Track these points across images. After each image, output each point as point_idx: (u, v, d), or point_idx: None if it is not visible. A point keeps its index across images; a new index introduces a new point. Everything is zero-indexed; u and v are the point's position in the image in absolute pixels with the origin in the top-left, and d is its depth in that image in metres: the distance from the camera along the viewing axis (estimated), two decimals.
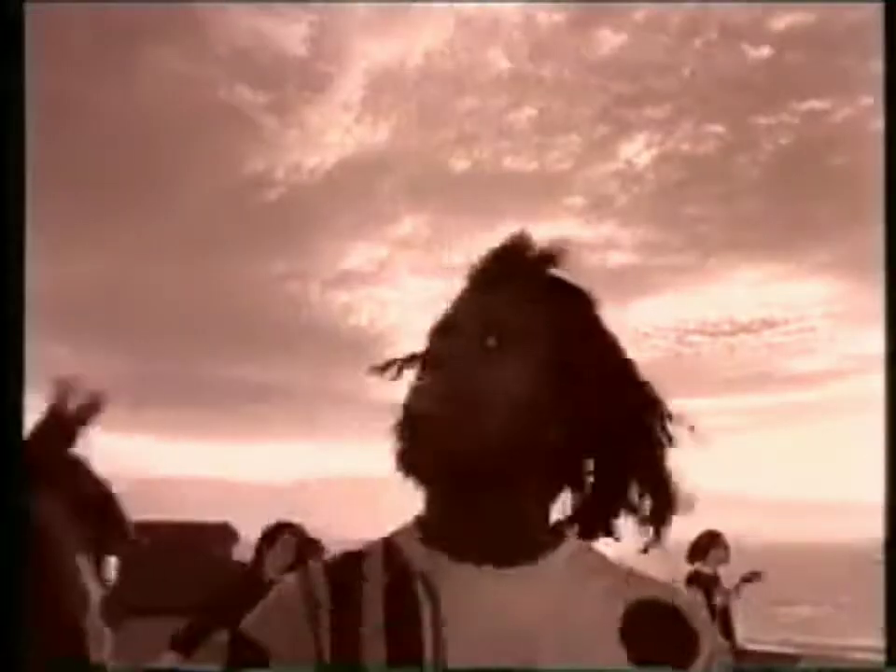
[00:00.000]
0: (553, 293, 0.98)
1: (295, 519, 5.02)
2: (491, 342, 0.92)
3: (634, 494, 0.94)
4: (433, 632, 0.85)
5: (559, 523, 0.96)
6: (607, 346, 0.98)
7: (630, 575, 0.94)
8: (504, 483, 0.91)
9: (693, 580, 6.19)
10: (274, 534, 4.69)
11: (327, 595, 0.89)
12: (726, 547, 6.41)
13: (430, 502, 0.94)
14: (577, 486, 0.96)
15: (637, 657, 0.87)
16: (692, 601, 0.97)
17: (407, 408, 0.92)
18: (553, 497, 0.96)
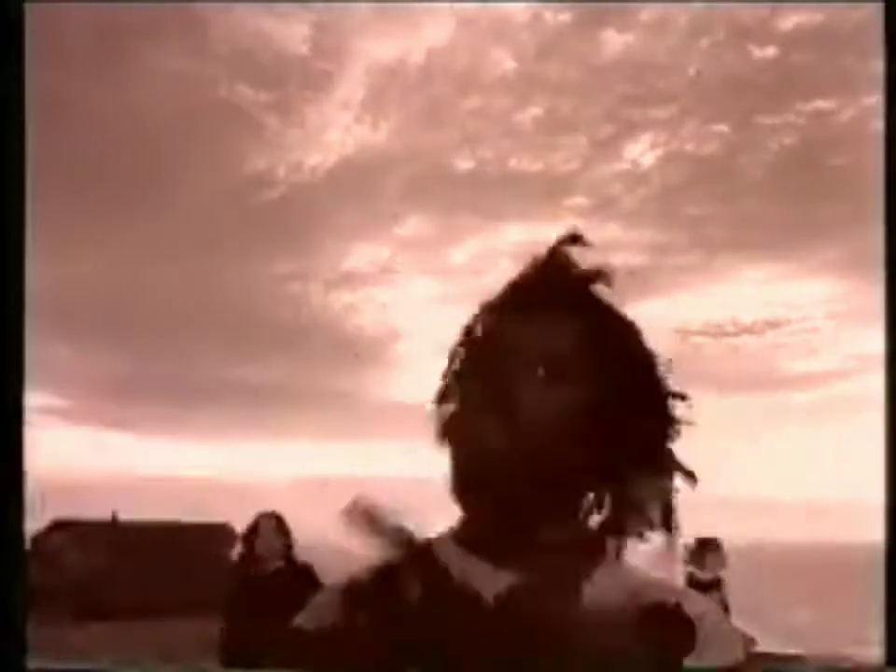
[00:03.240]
0: (600, 320, 0.97)
1: (293, 521, 5.06)
2: (541, 372, 0.92)
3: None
4: (469, 632, 0.86)
5: (598, 531, 0.96)
6: (650, 379, 0.98)
7: (643, 577, 0.95)
8: (551, 509, 0.92)
9: (688, 586, 6.17)
10: (256, 524, 4.80)
11: (367, 602, 0.90)
12: (722, 553, 6.40)
13: (472, 521, 0.94)
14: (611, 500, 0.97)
15: (649, 658, 0.87)
16: (706, 607, 0.97)
17: (458, 443, 0.92)
18: (590, 510, 0.96)
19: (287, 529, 4.83)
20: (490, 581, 0.89)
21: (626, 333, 0.99)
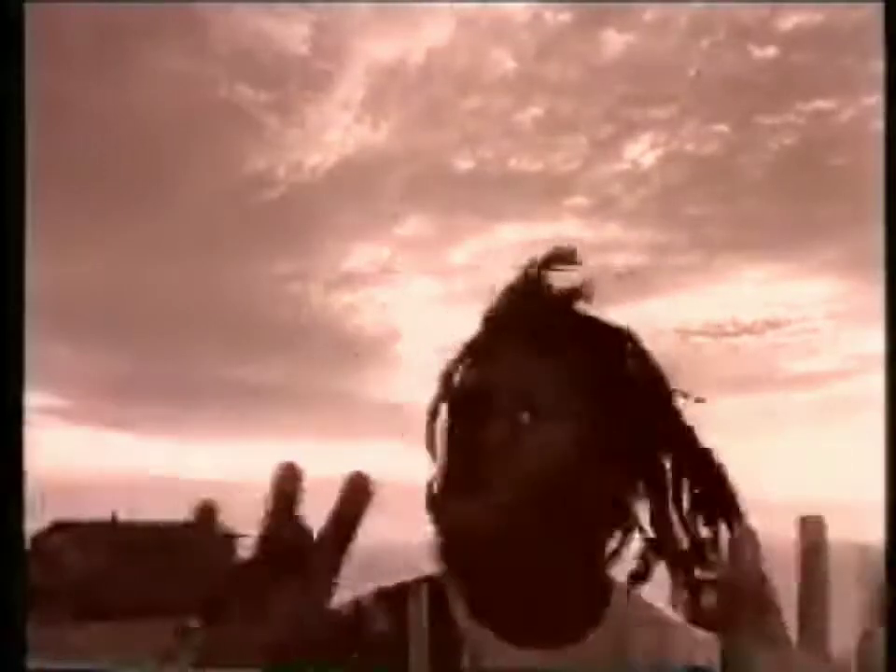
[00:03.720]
0: (587, 342, 0.89)
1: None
2: (524, 417, 0.84)
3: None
4: None
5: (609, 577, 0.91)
6: (650, 393, 0.91)
7: (675, 632, 0.90)
8: (549, 564, 0.85)
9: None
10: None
11: (374, 624, 0.87)
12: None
13: (474, 581, 0.89)
14: (627, 528, 0.91)
15: None
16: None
17: (436, 501, 0.88)
18: (602, 553, 0.90)
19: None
20: (492, 649, 0.85)
21: (620, 348, 0.92)
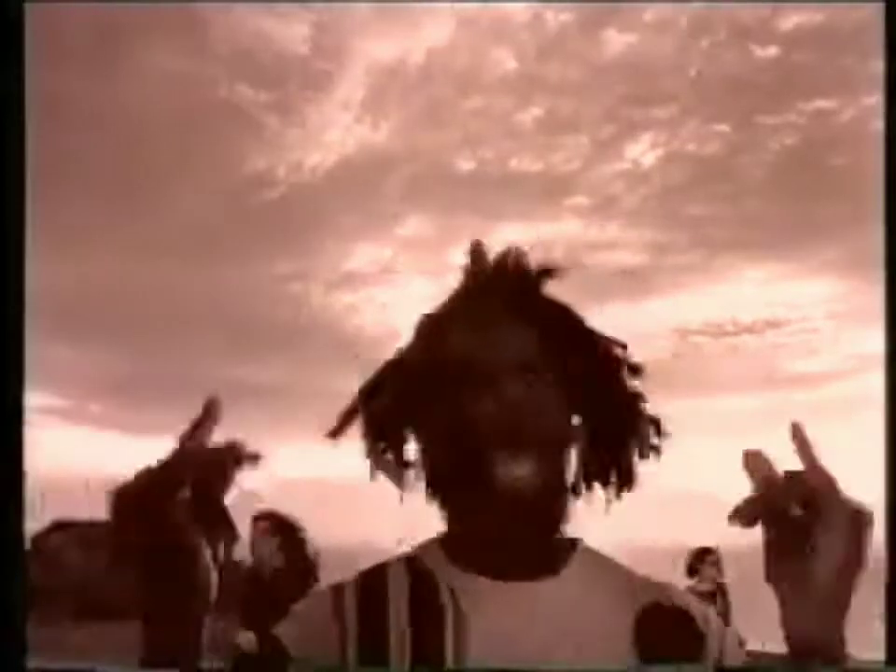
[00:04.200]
0: (556, 323, 1.00)
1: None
2: (530, 377, 0.94)
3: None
4: (455, 638, 0.87)
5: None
6: (601, 354, 1.01)
7: (637, 578, 0.96)
8: (538, 508, 0.92)
9: None
10: (252, 529, 4.80)
11: (354, 605, 0.91)
12: (718, 562, 6.37)
13: (454, 520, 0.96)
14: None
15: (647, 661, 0.88)
16: (699, 603, 0.98)
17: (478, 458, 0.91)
18: (569, 497, 0.99)
19: (287, 528, 4.80)
20: (472, 587, 0.90)
21: (584, 334, 1.01)
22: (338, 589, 0.95)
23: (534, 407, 0.92)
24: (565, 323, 1.01)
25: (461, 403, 0.93)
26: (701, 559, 6.28)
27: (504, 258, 1.03)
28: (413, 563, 0.96)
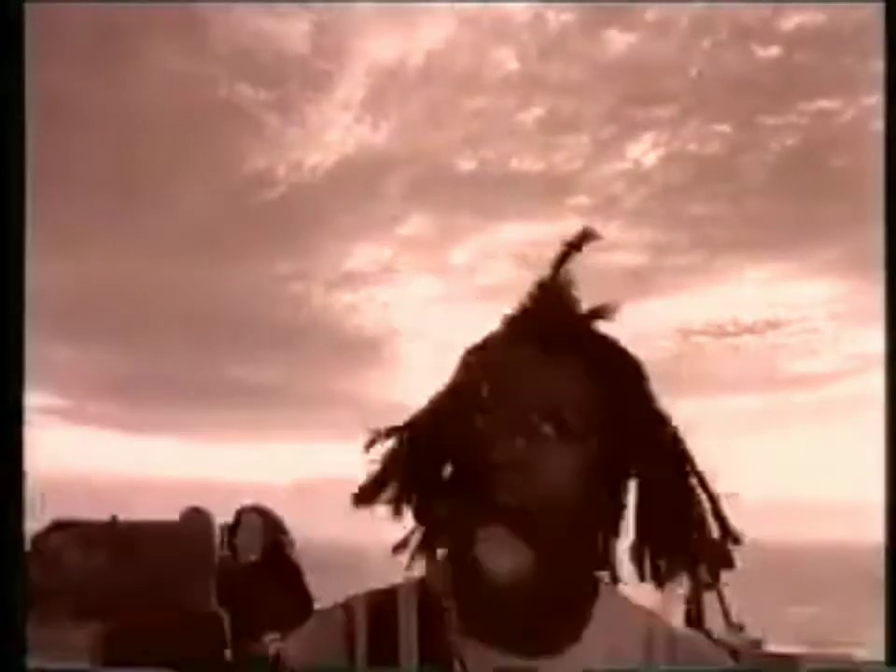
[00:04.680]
0: (608, 365, 0.87)
1: (294, 520, 5.05)
2: (547, 429, 0.81)
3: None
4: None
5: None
6: (658, 425, 0.90)
7: (664, 631, 0.90)
8: (551, 576, 0.82)
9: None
10: (238, 518, 4.78)
11: (364, 626, 0.87)
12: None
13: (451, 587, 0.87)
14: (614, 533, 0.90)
15: None
16: (721, 652, 0.92)
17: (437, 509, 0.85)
18: (592, 556, 0.89)
19: (274, 524, 4.78)
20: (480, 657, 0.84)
21: (633, 376, 0.89)
22: (349, 609, 0.90)
23: (549, 467, 0.80)
24: (617, 368, 0.87)
25: (469, 456, 0.83)
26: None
27: (546, 290, 0.89)
28: (423, 590, 0.91)
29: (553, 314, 0.89)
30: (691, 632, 0.93)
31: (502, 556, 0.78)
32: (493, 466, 0.79)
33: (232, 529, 4.77)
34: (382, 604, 0.89)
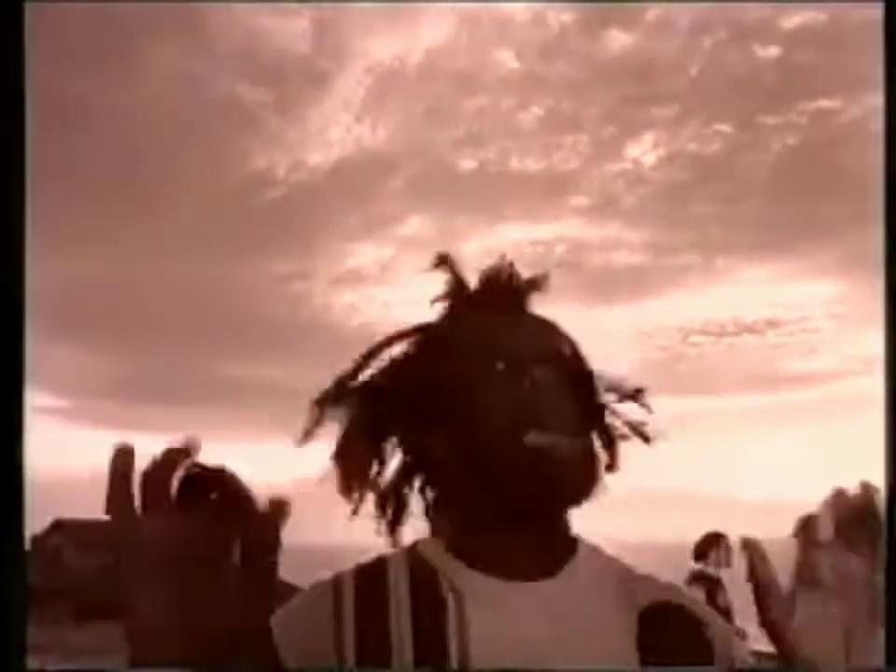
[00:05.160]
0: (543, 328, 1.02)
1: (293, 520, 5.04)
2: (500, 366, 0.94)
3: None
4: (458, 636, 0.86)
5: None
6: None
7: (639, 577, 0.96)
8: (539, 504, 0.92)
9: (695, 580, 6.19)
10: None
11: (352, 598, 0.89)
12: (728, 548, 6.39)
13: (455, 517, 0.95)
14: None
15: (652, 662, 0.87)
16: (703, 604, 0.98)
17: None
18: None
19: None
20: (472, 584, 0.89)
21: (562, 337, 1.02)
22: (337, 583, 0.92)
23: (562, 391, 0.94)
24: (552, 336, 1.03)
25: (488, 389, 0.95)
26: (710, 543, 6.29)
27: (492, 273, 1.07)
28: (413, 556, 0.95)
29: (504, 284, 1.05)
30: (672, 583, 0.99)
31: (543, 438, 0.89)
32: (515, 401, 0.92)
33: None
34: (371, 572, 0.92)
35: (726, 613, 6.26)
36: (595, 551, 0.98)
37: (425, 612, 0.89)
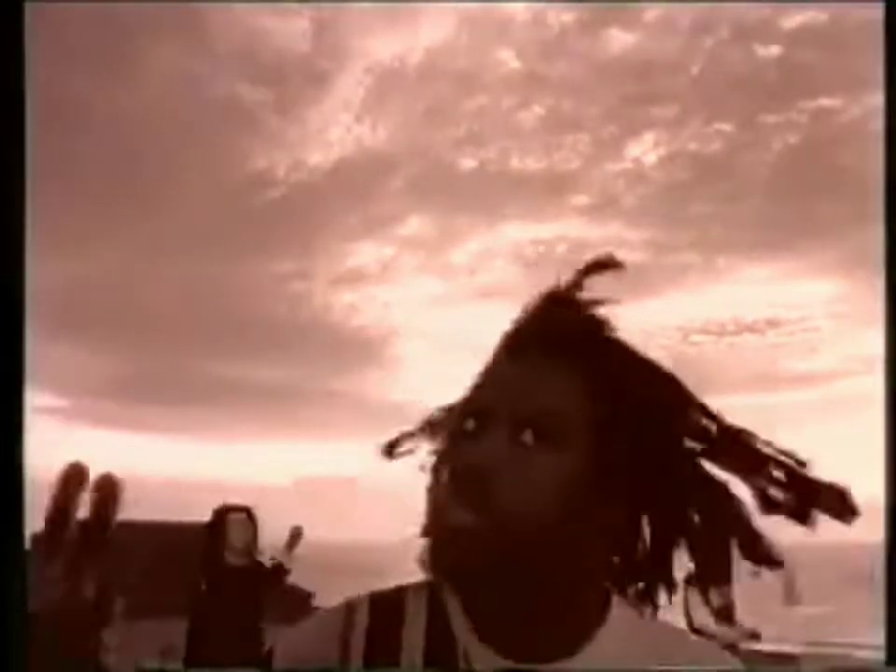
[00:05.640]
0: (607, 369, 0.85)
1: (293, 520, 5.01)
2: (527, 437, 0.80)
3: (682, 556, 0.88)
4: None
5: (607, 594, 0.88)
6: (649, 397, 0.87)
7: (675, 640, 0.89)
8: (545, 583, 0.83)
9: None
10: (225, 516, 4.63)
11: (364, 628, 0.86)
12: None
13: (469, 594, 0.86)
14: (628, 553, 0.89)
15: None
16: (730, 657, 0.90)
17: (438, 513, 0.83)
18: (601, 574, 0.88)
19: (255, 524, 4.68)
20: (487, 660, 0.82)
21: (641, 380, 0.87)
22: (350, 608, 0.88)
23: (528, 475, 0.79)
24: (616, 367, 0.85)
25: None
26: None
27: (554, 298, 0.88)
28: (432, 594, 0.90)
29: (558, 319, 0.87)
30: (702, 639, 0.91)
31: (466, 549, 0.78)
32: (469, 467, 0.79)
33: (213, 528, 4.64)
34: (387, 604, 0.88)
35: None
36: (627, 613, 0.87)
37: (438, 653, 0.84)
